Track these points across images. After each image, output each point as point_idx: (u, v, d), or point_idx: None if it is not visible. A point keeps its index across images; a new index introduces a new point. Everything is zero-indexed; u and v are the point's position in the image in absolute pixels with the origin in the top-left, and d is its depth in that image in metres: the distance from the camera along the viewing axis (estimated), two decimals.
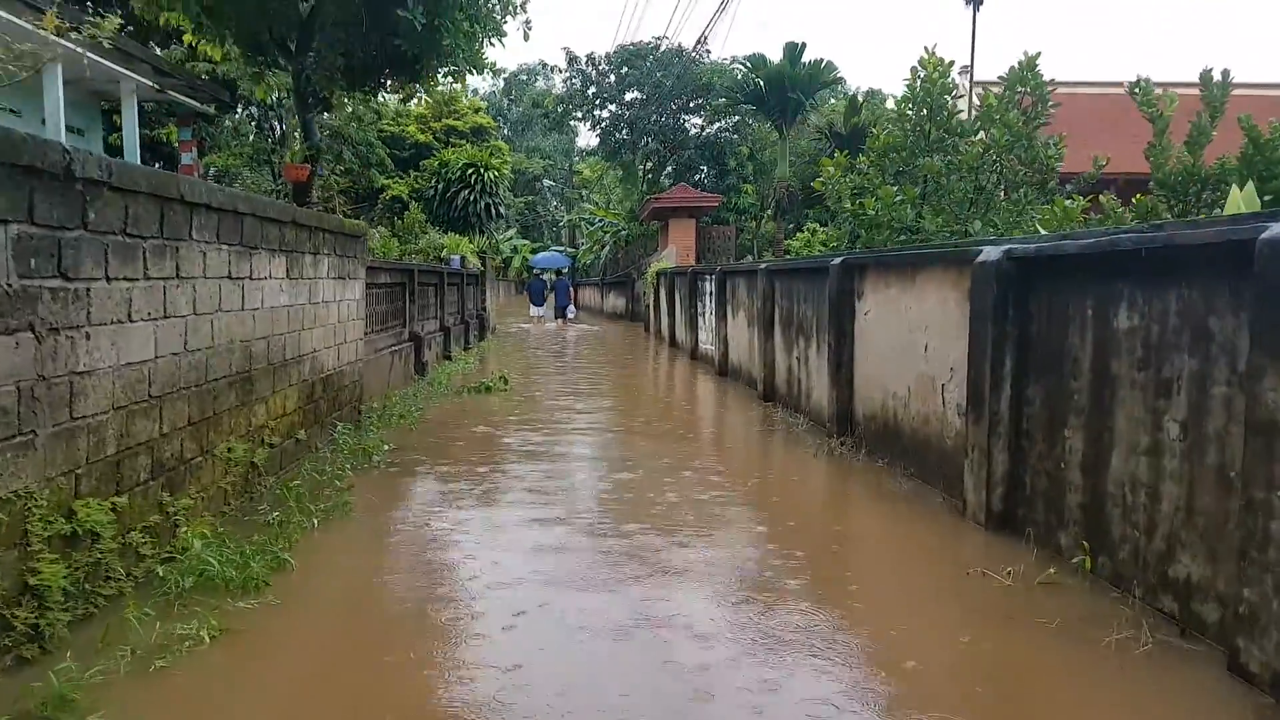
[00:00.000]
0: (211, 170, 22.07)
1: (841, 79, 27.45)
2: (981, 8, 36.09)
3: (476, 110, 37.81)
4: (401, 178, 29.06)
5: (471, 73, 9.66)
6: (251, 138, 19.84)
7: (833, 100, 31.17)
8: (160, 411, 3.98)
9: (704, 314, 14.82)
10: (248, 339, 5.04)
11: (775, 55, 27.06)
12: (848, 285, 7.45)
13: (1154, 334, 3.66)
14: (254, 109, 20.00)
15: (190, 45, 17.64)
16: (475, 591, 3.81)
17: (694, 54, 31.07)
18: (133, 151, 14.99)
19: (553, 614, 3.57)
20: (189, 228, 4.25)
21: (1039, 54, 9.89)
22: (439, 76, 9.73)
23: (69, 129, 14.45)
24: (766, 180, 29.80)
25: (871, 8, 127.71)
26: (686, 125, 31.72)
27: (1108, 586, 3.79)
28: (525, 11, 9.30)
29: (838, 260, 7.54)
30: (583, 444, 7.56)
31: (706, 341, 14.58)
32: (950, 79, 9.87)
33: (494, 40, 9.08)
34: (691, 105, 31.06)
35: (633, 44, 31.31)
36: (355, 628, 3.52)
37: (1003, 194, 9.65)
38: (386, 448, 6.73)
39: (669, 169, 32.06)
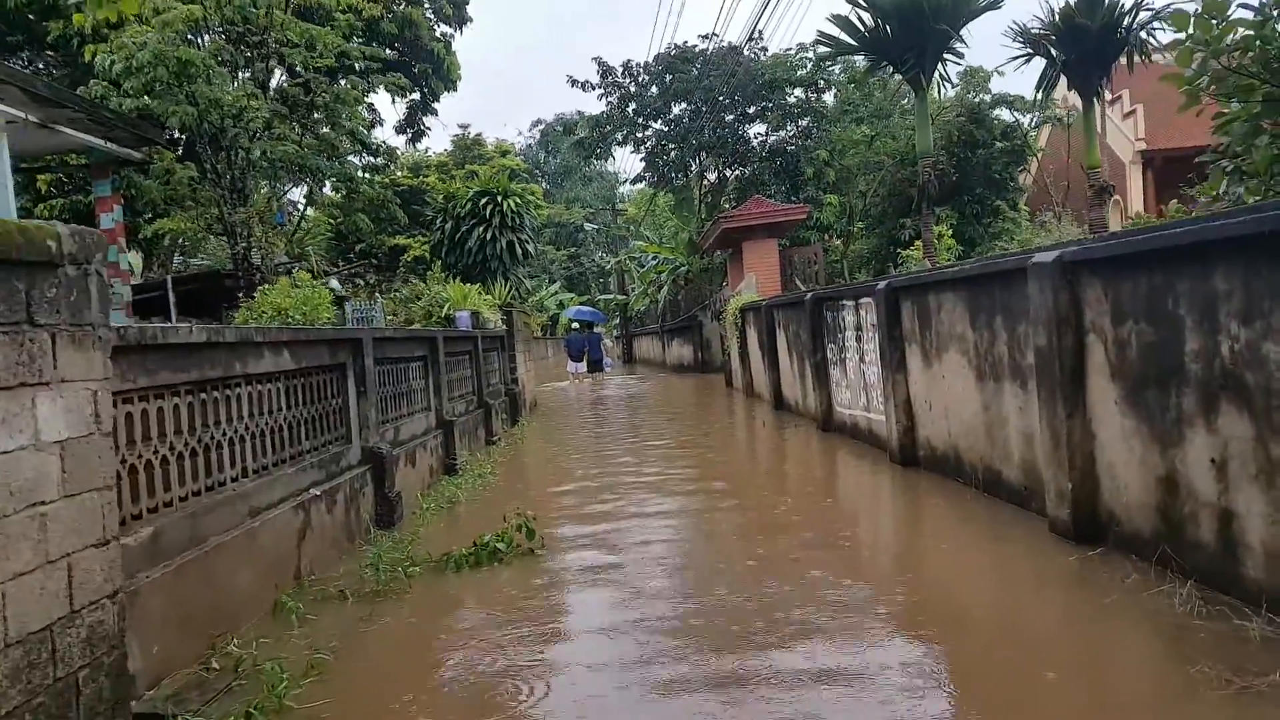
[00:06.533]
0: (168, 239, 17.75)
1: None
2: None
3: (504, 153, 33.53)
4: (424, 236, 24.79)
5: None
6: (195, 188, 15.04)
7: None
8: None
9: (843, 362, 9.53)
10: None
11: None
12: None
13: None
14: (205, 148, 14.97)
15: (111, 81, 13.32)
16: None
17: (750, 51, 26.30)
18: (5, 209, 10.76)
19: None
20: None
21: None
22: None
23: None
24: (851, 189, 24.46)
25: None
26: (747, 135, 26.79)
27: None
28: None
29: None
30: None
31: (854, 405, 9.25)
32: None
33: None
34: (751, 111, 26.14)
35: (675, 47, 26.66)
36: None
37: None
38: None
39: (730, 189, 27.07)
